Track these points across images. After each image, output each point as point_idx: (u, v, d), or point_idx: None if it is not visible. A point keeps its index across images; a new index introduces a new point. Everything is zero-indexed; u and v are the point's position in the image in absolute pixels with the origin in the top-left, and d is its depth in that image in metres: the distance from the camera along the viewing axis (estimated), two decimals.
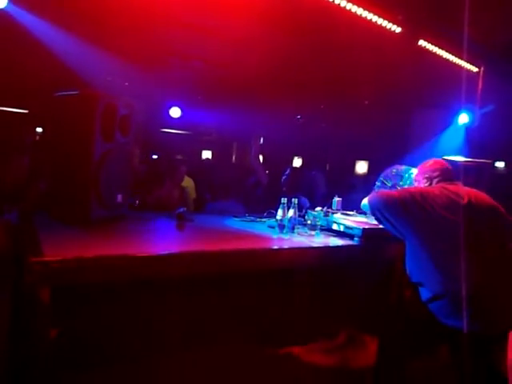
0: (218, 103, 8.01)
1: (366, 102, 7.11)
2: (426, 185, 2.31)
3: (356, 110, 7.61)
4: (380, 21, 3.57)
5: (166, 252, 1.81)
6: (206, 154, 12.66)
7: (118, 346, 1.84)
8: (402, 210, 2.09)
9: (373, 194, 2.32)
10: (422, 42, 4.01)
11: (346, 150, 10.77)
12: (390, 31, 3.68)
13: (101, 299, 1.78)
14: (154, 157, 10.58)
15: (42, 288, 1.54)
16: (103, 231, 2.12)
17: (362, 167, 11.03)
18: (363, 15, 3.48)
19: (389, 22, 3.61)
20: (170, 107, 7.63)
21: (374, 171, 10.13)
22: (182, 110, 7.69)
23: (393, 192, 2.26)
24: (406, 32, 3.76)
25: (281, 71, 5.96)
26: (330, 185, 6.11)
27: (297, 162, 12.13)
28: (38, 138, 7.21)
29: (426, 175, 2.33)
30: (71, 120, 2.20)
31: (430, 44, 4.06)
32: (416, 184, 2.45)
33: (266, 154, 12.24)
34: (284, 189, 4.07)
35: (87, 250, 1.68)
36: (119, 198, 2.38)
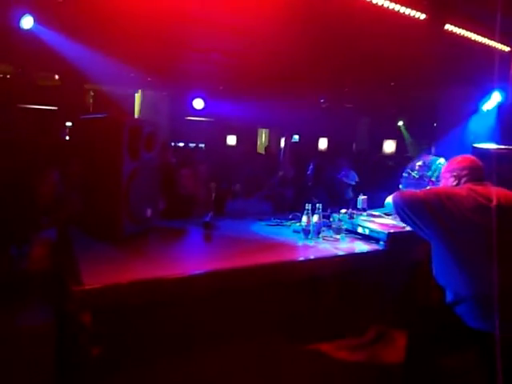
0: (238, 93, 8.00)
1: (392, 84, 6.91)
2: (454, 184, 2.24)
3: (382, 92, 7.42)
4: (403, 9, 3.43)
5: (196, 272, 1.90)
6: (231, 140, 12.72)
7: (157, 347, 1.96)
8: (427, 212, 2.05)
9: (397, 194, 2.27)
10: (448, 27, 3.84)
11: (373, 129, 10.57)
12: (414, 18, 3.54)
13: (136, 314, 1.90)
14: (180, 144, 10.75)
15: (83, 313, 1.66)
16: (135, 248, 2.22)
17: (389, 146, 10.81)
18: (385, 5, 3.36)
19: (413, 9, 3.47)
20: (194, 99, 7.68)
21: (402, 150, 9.98)
22: (204, 101, 7.73)
23: (418, 192, 2.20)
24: (432, 18, 3.61)
25: (303, 58, 5.88)
26: (358, 172, 6.04)
27: (322, 144, 12.02)
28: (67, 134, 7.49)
29: (454, 173, 2.24)
30: (99, 141, 2.28)
31: (457, 28, 3.88)
32: (443, 181, 2.37)
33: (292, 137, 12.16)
34: (309, 184, 4.08)
35: (123, 274, 1.79)
36: (148, 212, 2.47)
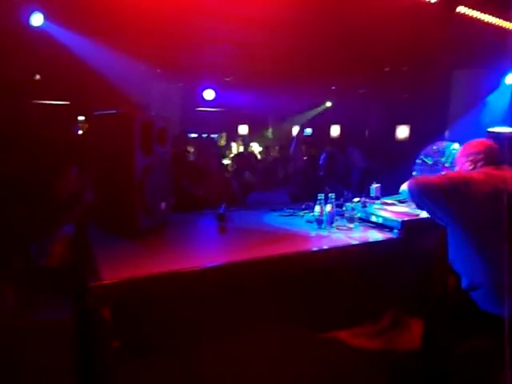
0: (250, 81, 7.96)
1: (405, 68, 6.79)
2: (470, 168, 2.21)
3: (394, 77, 7.30)
4: None
5: (211, 265, 1.92)
6: (243, 129, 12.68)
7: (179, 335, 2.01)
8: (442, 199, 2.03)
9: (412, 180, 2.24)
10: (460, 9, 3.74)
11: (385, 115, 10.42)
12: (425, 1, 3.46)
13: (153, 308, 1.95)
14: (193, 135, 10.77)
15: (102, 307, 1.70)
16: (150, 242, 2.26)
17: (402, 132, 10.65)
18: None
19: None
20: (204, 90, 7.68)
21: (415, 136, 9.82)
22: (215, 92, 7.73)
23: (433, 178, 2.17)
24: (443, 0, 3.52)
25: (313, 45, 5.81)
26: (371, 158, 6.00)
27: (335, 131, 11.90)
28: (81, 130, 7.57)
29: (470, 158, 2.21)
30: (111, 137, 2.31)
31: (469, 9, 3.78)
32: (459, 165, 2.34)
33: (303, 126, 12.10)
34: (321, 173, 4.07)
35: (139, 268, 1.82)
36: (163, 205, 2.51)
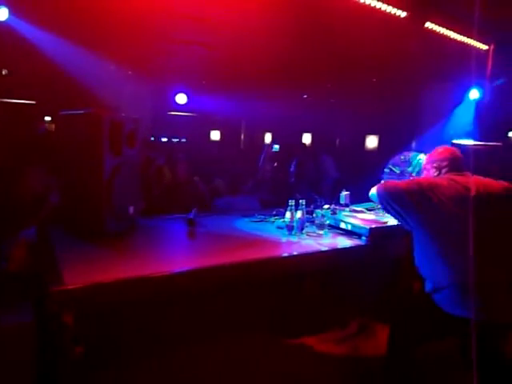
0: (222, 87, 7.95)
1: (374, 80, 6.97)
2: (435, 174, 2.29)
3: (364, 87, 7.48)
4: (384, 7, 3.47)
5: (180, 270, 1.89)
6: (215, 135, 12.65)
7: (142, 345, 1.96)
8: (409, 202, 2.09)
9: (381, 185, 2.30)
10: (428, 24, 3.89)
11: (355, 125, 10.66)
12: (396, 16, 3.58)
13: (120, 314, 1.89)
14: (163, 139, 10.63)
15: (64, 313, 1.64)
16: (117, 246, 2.20)
17: (372, 142, 10.92)
18: (367, 2, 3.38)
19: (394, 7, 3.51)
20: (176, 94, 7.60)
21: (384, 146, 10.10)
22: (187, 96, 7.66)
23: (401, 183, 2.23)
24: (412, 15, 3.65)
25: (285, 53, 5.87)
26: (341, 167, 6.10)
27: (306, 139, 12.06)
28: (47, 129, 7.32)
29: (435, 164, 2.30)
30: (79, 138, 2.25)
31: (437, 26, 3.94)
32: (425, 172, 2.42)
33: (276, 133, 12.20)
34: (292, 179, 4.11)
35: (106, 273, 1.77)
36: (131, 209, 2.45)
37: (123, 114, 2.34)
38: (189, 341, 2.10)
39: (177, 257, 2.22)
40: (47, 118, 7.95)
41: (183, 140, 10.96)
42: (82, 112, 2.24)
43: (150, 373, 2.01)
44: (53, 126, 7.37)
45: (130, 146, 2.39)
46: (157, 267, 1.88)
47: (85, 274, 1.75)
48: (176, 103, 7.85)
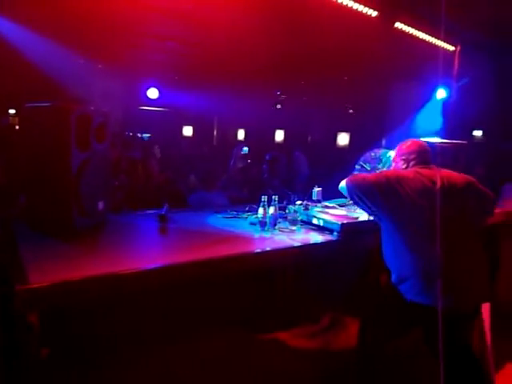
0: (195, 82, 7.87)
1: (346, 78, 7.08)
2: (403, 167, 2.34)
3: (336, 86, 7.59)
4: (356, 6, 3.52)
5: (151, 267, 1.85)
6: (187, 131, 12.51)
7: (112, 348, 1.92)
8: (377, 194, 2.13)
9: (350, 178, 2.33)
10: (398, 25, 3.98)
11: (327, 122, 10.79)
12: (367, 15, 3.63)
13: (88, 312, 1.84)
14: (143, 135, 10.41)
15: (29, 312, 1.58)
16: (86, 243, 2.14)
17: (343, 139, 11.09)
18: (338, 0, 3.42)
19: (365, 6, 3.56)
20: (148, 88, 7.47)
21: (354, 143, 10.29)
22: (159, 91, 7.54)
23: (369, 176, 2.28)
24: (383, 15, 3.72)
25: (259, 50, 5.87)
26: (313, 164, 6.16)
27: (279, 136, 12.12)
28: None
29: (403, 157, 2.35)
30: (45, 131, 2.16)
31: (406, 26, 4.03)
32: (394, 165, 2.47)
33: (249, 129, 12.19)
34: (265, 175, 4.11)
35: (73, 271, 1.72)
36: (100, 205, 2.39)
37: (92, 108, 2.27)
38: (160, 338, 2.07)
39: (148, 253, 2.18)
40: (11, 111, 7.66)
41: (148, 135, 10.77)
42: (48, 104, 2.15)
43: (119, 372, 1.97)
44: (16, 119, 7.10)
45: (99, 140, 2.33)
46: (127, 264, 1.84)
47: (51, 272, 1.69)
48: (147, 98, 7.72)
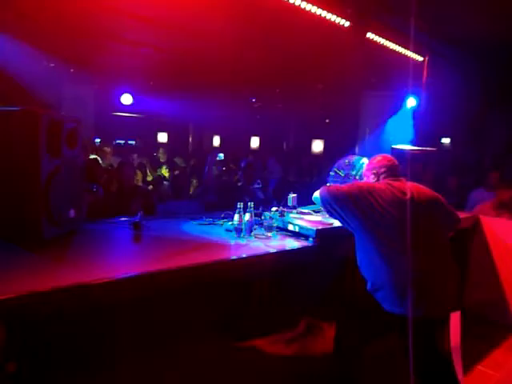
0: (170, 88, 7.82)
1: (320, 86, 7.20)
2: (374, 180, 2.43)
3: (310, 93, 7.70)
4: (329, 16, 3.59)
5: (125, 276, 1.80)
6: (162, 137, 12.39)
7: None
8: (350, 205, 2.20)
9: (323, 188, 2.39)
10: (370, 35, 4.09)
11: (302, 129, 10.93)
12: (339, 25, 3.71)
13: (58, 325, 1.77)
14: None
15: None
16: (57, 253, 2.07)
17: (318, 146, 11.25)
18: (312, 10, 3.47)
19: (337, 16, 3.64)
20: (122, 94, 7.36)
21: (329, 150, 10.45)
22: (133, 97, 7.44)
23: (343, 186, 2.35)
24: (355, 25, 3.82)
25: (233, 57, 5.90)
26: (286, 170, 6.22)
27: (254, 143, 12.17)
28: None
29: (374, 171, 2.44)
30: (13, 137, 2.09)
31: (377, 36, 4.15)
32: (365, 179, 2.56)
33: (224, 136, 12.19)
34: (240, 183, 4.11)
35: (42, 281, 1.65)
36: (72, 213, 2.32)
37: (63, 113, 2.21)
38: (135, 348, 2.02)
39: (121, 262, 2.12)
40: None
41: (130, 142, 10.63)
42: (16, 109, 2.08)
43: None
44: None
45: (70, 146, 2.27)
46: (99, 273, 1.78)
47: (18, 282, 1.62)
48: (121, 104, 7.60)
